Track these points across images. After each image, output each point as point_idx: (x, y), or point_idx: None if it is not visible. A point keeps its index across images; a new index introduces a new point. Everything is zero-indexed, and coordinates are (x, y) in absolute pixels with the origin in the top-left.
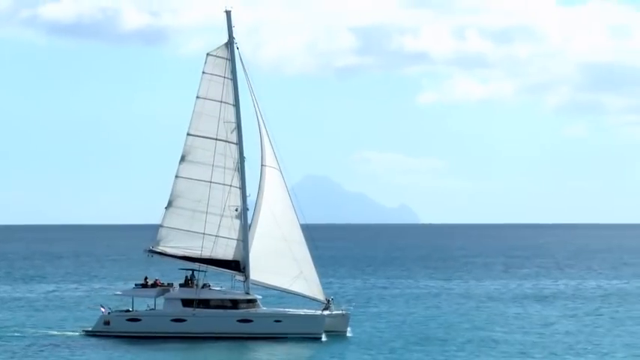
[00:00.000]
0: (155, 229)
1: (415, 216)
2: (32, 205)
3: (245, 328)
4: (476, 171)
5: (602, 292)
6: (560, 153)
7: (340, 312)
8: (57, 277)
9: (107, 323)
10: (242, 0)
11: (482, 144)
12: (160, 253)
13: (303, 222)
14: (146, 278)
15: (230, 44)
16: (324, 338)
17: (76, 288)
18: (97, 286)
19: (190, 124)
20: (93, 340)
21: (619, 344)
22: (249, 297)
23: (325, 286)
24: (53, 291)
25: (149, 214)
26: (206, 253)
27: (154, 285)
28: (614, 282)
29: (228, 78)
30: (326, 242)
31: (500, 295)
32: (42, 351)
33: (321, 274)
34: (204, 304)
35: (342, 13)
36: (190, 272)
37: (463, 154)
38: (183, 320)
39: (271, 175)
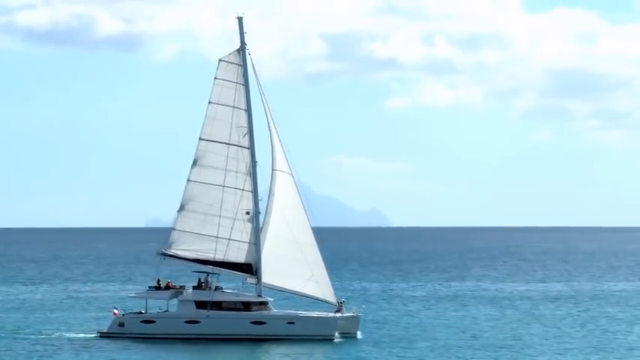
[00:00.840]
0: (167, 232)
1: (386, 219)
2: (3, 209)
3: (258, 329)
4: (445, 175)
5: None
6: (527, 157)
7: (351, 314)
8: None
9: (122, 325)
10: (212, 7)
11: (451, 148)
12: (172, 256)
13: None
14: (159, 281)
15: (242, 50)
16: (336, 340)
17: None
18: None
19: (202, 128)
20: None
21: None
22: (261, 299)
23: None
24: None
25: (123, 218)
26: (219, 256)
27: (167, 287)
28: (574, 283)
29: (240, 83)
30: None
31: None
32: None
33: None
34: (218, 306)
35: (313, 21)
36: (204, 275)
37: (432, 158)
38: (197, 322)
39: (282, 179)
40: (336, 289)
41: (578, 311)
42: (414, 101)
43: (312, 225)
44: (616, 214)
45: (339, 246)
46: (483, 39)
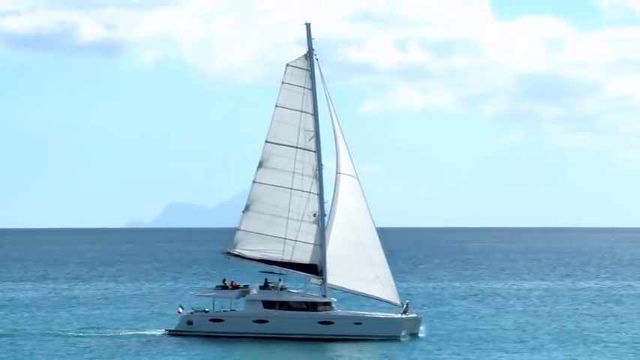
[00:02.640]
0: (232, 232)
1: None
2: None
3: (326, 329)
4: (417, 177)
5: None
6: (497, 160)
7: (414, 315)
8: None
9: (190, 323)
10: (193, 14)
11: (423, 151)
12: (238, 256)
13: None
14: (224, 280)
15: (309, 55)
16: (402, 340)
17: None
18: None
19: (269, 131)
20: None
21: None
22: (326, 300)
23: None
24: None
25: (103, 219)
26: (286, 257)
27: (234, 287)
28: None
29: (307, 88)
30: None
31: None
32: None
33: None
34: (285, 306)
35: (290, 27)
36: (272, 275)
37: (405, 160)
38: (265, 321)
39: (347, 182)
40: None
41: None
42: (387, 105)
43: None
44: (583, 215)
45: None
46: (455, 45)
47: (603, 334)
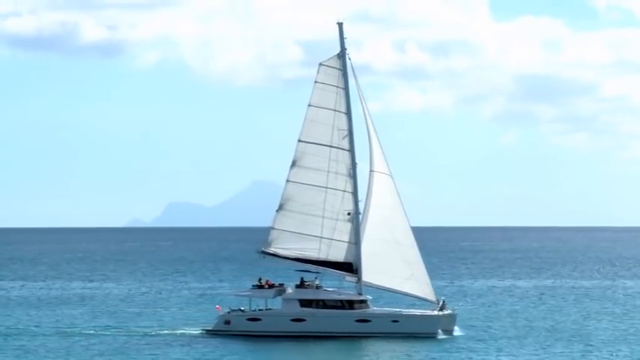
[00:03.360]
0: (266, 231)
1: None
2: None
3: (363, 327)
4: (416, 177)
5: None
6: (495, 159)
7: (449, 311)
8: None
9: (227, 323)
10: (193, 16)
11: (421, 151)
12: (272, 255)
13: (255, 225)
14: (260, 279)
15: (342, 55)
16: (439, 337)
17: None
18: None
19: (302, 130)
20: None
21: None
22: (362, 297)
23: None
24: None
25: (104, 218)
26: (322, 256)
27: (270, 286)
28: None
29: (340, 87)
30: None
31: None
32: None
33: None
34: (322, 304)
35: (289, 28)
36: (309, 274)
37: (404, 160)
38: (303, 320)
39: (381, 180)
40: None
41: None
42: (386, 106)
43: None
44: (579, 214)
45: None
46: (453, 46)
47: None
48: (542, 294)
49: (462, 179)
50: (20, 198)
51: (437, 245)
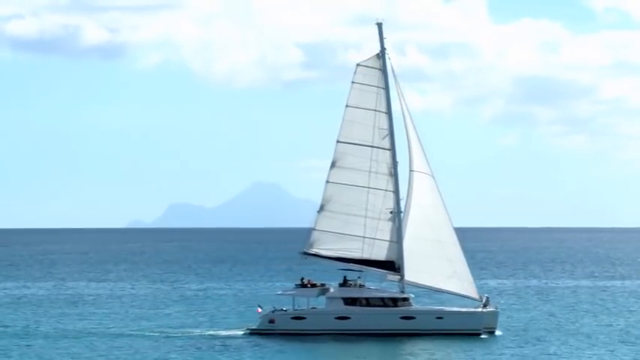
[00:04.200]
0: (308, 232)
1: None
2: None
3: (407, 325)
4: None
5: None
6: (494, 161)
7: (492, 309)
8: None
9: (272, 322)
10: (193, 18)
11: None
12: (315, 255)
13: (255, 226)
14: (302, 278)
15: (382, 55)
16: (483, 335)
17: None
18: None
19: (340, 131)
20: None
21: None
22: (404, 295)
23: None
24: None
25: (105, 219)
26: (365, 255)
27: (312, 285)
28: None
29: (380, 87)
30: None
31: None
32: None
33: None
34: (366, 302)
35: (289, 30)
36: (352, 273)
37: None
38: (348, 318)
39: (421, 180)
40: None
41: None
42: None
43: (289, 226)
44: (578, 215)
45: None
46: (452, 48)
47: None
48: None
49: (461, 180)
50: (21, 199)
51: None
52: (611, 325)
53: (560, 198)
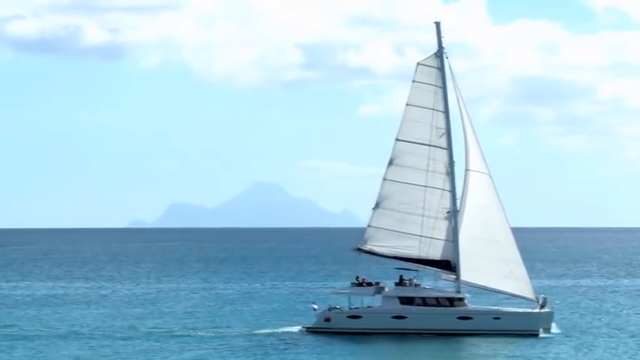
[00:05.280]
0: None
1: (357, 220)
2: None
3: (464, 325)
4: None
5: None
6: (493, 161)
7: (548, 309)
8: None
9: (328, 320)
10: (194, 19)
11: None
12: (369, 252)
13: (255, 225)
14: (357, 277)
15: (440, 54)
16: (540, 335)
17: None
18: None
19: (399, 130)
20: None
21: None
22: (460, 295)
23: None
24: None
25: (107, 219)
26: (422, 254)
27: (368, 284)
28: None
29: (438, 86)
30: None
31: None
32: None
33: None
34: (422, 301)
35: (289, 31)
36: (407, 272)
37: None
38: (404, 317)
39: (477, 179)
40: None
41: None
42: (385, 108)
43: (288, 226)
44: (577, 215)
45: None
46: (452, 49)
47: None
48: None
49: None
50: (22, 199)
51: None
52: None
53: (558, 198)
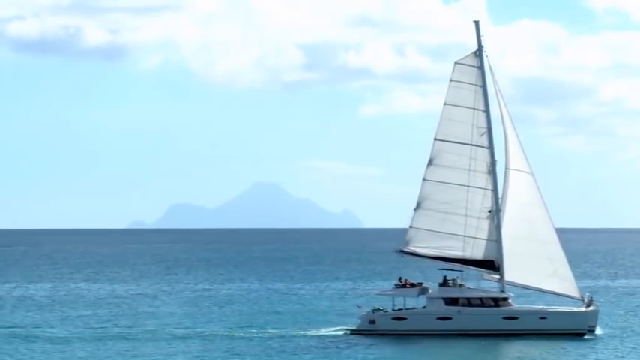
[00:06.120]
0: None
1: (357, 220)
2: None
3: (510, 325)
4: (414, 178)
5: None
6: None
7: (593, 308)
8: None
9: (373, 322)
10: (194, 19)
11: (420, 153)
12: (411, 254)
13: (255, 226)
14: (400, 278)
15: (479, 53)
16: (587, 335)
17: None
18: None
19: (438, 129)
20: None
21: None
22: (504, 295)
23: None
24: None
25: (107, 220)
26: (466, 254)
27: (411, 285)
28: None
29: (478, 85)
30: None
31: None
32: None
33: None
34: (467, 302)
35: (289, 31)
36: (452, 272)
37: (403, 162)
38: (449, 318)
39: (518, 178)
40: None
41: None
42: (386, 108)
43: (288, 227)
44: (577, 216)
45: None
46: (452, 49)
47: None
48: None
49: None
50: (22, 199)
51: None
52: None
53: (559, 199)
